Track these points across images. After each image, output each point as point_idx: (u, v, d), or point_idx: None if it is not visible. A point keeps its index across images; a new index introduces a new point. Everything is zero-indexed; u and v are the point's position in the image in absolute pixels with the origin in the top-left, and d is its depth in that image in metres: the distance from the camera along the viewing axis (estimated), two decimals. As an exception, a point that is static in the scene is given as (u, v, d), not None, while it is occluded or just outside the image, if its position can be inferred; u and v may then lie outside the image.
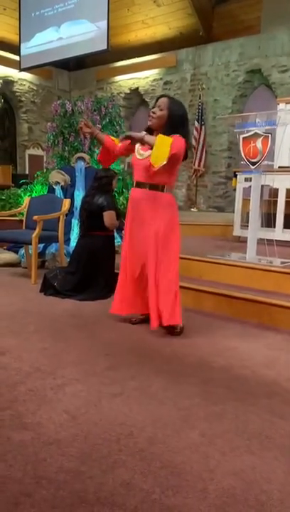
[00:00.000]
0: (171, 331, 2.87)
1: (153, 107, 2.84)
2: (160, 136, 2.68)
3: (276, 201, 4.72)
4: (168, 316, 2.78)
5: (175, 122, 2.78)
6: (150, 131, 2.88)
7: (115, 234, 4.09)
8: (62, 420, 1.77)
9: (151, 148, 2.70)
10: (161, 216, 2.83)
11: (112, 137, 3.14)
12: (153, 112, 2.81)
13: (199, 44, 9.83)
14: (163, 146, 2.64)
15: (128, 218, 2.98)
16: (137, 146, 2.90)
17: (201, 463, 1.53)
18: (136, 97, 11.30)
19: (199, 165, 9.67)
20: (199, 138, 9.53)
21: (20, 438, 1.63)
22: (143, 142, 2.78)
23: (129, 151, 3.03)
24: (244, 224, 4.98)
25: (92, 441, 1.63)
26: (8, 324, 2.96)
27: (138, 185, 2.89)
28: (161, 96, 2.89)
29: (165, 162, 2.63)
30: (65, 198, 5.09)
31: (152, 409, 1.89)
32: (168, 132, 2.74)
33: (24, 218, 4.74)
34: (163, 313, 2.78)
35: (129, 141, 2.88)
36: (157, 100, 2.85)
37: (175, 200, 2.96)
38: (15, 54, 10.42)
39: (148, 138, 2.74)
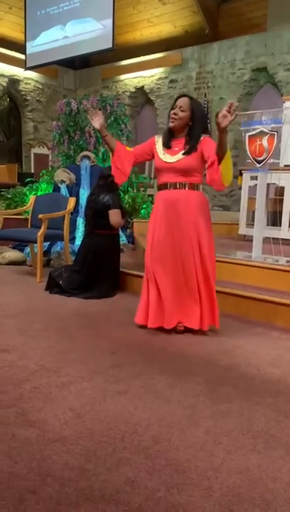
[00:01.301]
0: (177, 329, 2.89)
1: (173, 108, 2.79)
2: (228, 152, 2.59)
3: (282, 200, 4.70)
4: (211, 320, 2.87)
5: (200, 123, 2.80)
6: (170, 133, 2.84)
7: (120, 233, 4.09)
8: (67, 418, 1.77)
9: (219, 154, 2.56)
10: (200, 216, 2.79)
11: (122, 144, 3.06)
12: (175, 114, 2.75)
13: (204, 42, 9.80)
14: (228, 166, 2.60)
15: (158, 221, 2.84)
16: (160, 149, 2.85)
17: (206, 461, 1.52)
18: (142, 96, 11.30)
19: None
20: (204, 136, 9.51)
21: (25, 435, 1.64)
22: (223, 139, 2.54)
23: (143, 157, 2.98)
24: (250, 223, 4.97)
25: (97, 439, 1.63)
26: (13, 322, 2.96)
27: (172, 186, 2.80)
28: (181, 96, 2.84)
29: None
30: (71, 196, 5.09)
31: (157, 407, 1.89)
32: (194, 133, 2.76)
33: (29, 217, 4.75)
34: (205, 317, 2.84)
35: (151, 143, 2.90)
36: (176, 100, 2.80)
37: (205, 195, 2.95)
38: (20, 53, 10.45)
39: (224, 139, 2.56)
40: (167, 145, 2.83)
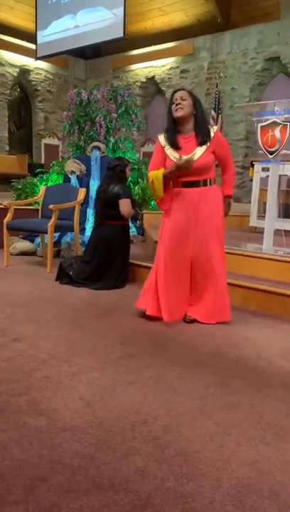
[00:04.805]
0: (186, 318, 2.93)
1: (173, 103, 2.77)
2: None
3: (294, 191, 4.66)
4: (224, 314, 2.90)
5: (200, 110, 2.80)
6: (174, 124, 2.80)
7: (130, 224, 4.08)
8: (77, 407, 1.78)
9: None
10: (216, 211, 2.83)
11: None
12: (180, 103, 2.74)
13: (217, 31, 9.67)
14: None
15: (174, 220, 2.84)
16: (170, 151, 2.79)
17: (215, 452, 1.52)
18: (153, 86, 11.21)
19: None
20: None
21: (35, 423, 1.65)
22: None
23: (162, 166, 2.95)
24: (261, 214, 4.93)
25: (107, 428, 1.64)
26: (24, 312, 2.98)
27: (189, 184, 2.79)
28: (177, 90, 2.84)
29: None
30: (81, 187, 5.09)
31: (167, 398, 1.89)
32: (200, 123, 2.76)
33: (40, 207, 4.76)
34: (217, 311, 2.88)
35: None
36: (173, 95, 2.80)
37: (220, 190, 2.96)
38: (31, 42, 10.40)
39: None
40: (175, 146, 2.78)
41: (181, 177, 2.78)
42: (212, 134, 2.77)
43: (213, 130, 2.79)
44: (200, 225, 2.80)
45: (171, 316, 2.85)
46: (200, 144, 2.74)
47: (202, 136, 2.74)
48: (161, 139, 2.86)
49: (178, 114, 2.74)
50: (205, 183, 2.80)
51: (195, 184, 2.79)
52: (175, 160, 2.74)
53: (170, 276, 2.84)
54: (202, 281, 2.87)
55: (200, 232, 2.80)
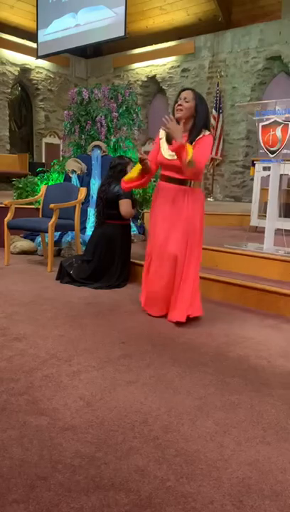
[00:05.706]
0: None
1: (176, 102, 2.82)
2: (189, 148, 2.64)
3: (295, 191, 4.65)
4: (193, 309, 2.88)
5: (202, 114, 2.81)
6: (176, 120, 2.83)
7: (131, 223, 4.08)
8: (78, 406, 1.78)
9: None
10: (193, 215, 2.83)
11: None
12: (180, 105, 2.79)
13: (218, 30, 9.67)
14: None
15: (154, 209, 2.97)
16: (163, 145, 2.88)
17: (216, 452, 1.52)
18: (154, 85, 11.21)
19: (216, 154, 9.59)
20: (216, 126, 9.42)
21: (36, 423, 1.65)
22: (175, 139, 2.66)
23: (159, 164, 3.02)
24: (262, 214, 4.92)
25: (107, 428, 1.64)
26: (25, 311, 2.98)
27: (171, 180, 2.85)
28: (185, 89, 2.88)
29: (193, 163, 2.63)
30: (81, 186, 5.09)
31: (167, 397, 1.89)
32: (197, 126, 2.78)
33: (41, 206, 4.76)
34: (187, 307, 2.85)
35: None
36: (180, 94, 2.84)
37: (203, 194, 2.99)
38: (32, 41, 10.40)
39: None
40: (169, 140, 2.84)
41: (164, 171, 2.89)
42: (200, 136, 2.77)
43: (204, 133, 2.79)
44: (175, 223, 2.83)
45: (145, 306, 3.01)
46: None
47: (191, 137, 2.78)
48: (161, 131, 2.94)
49: (176, 115, 2.82)
50: (182, 182, 2.81)
51: (172, 180, 2.85)
52: (163, 154, 2.86)
53: (152, 264, 2.98)
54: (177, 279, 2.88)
55: (174, 229, 2.84)
